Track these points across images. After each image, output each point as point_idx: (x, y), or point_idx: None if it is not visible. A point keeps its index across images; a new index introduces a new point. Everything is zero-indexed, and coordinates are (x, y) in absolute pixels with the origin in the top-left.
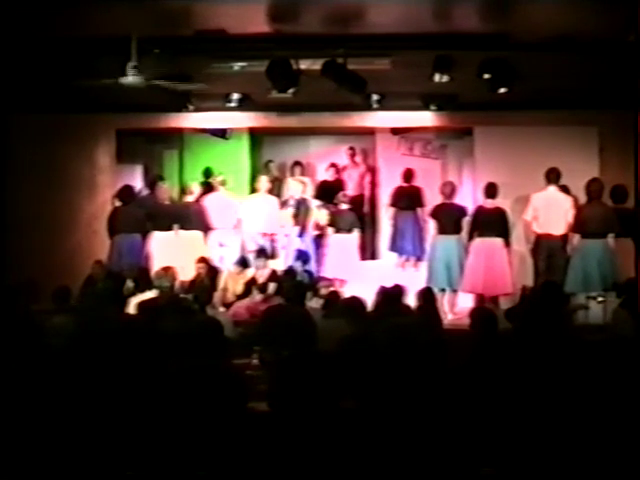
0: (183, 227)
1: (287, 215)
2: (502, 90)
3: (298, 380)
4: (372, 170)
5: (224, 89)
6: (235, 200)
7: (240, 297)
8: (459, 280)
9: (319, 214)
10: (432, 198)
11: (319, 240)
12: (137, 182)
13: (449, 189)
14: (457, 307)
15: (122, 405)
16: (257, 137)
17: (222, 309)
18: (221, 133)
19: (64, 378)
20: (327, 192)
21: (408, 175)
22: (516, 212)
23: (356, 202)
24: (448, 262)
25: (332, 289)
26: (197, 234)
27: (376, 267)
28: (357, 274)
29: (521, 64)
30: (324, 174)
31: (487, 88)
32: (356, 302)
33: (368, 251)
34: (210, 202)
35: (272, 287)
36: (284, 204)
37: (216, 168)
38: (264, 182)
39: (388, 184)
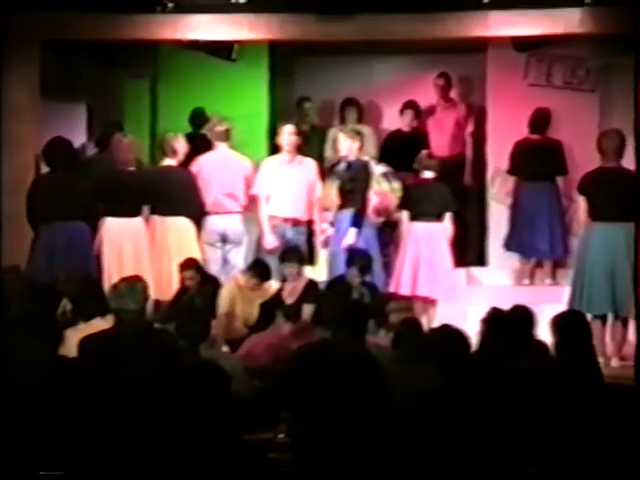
0: (159, 210)
1: (333, 190)
2: None
3: (354, 468)
4: (479, 113)
5: None
6: (246, 164)
7: (256, 327)
8: (630, 300)
9: (386, 188)
10: (584, 160)
11: (387, 232)
12: (79, 134)
13: (614, 144)
14: (628, 346)
15: None
16: (283, 58)
17: (226, 348)
18: (223, 51)
19: None
20: (400, 151)
21: (541, 120)
22: None
23: (450, 167)
24: (611, 269)
25: (409, 315)
26: (182, 222)
27: (485, 277)
28: (451, 289)
29: None
30: (396, 120)
31: None
32: (450, 336)
33: (471, 250)
34: (205, 168)
35: (309, 311)
36: (329, 171)
37: (214, 110)
38: (292, 135)
39: (506, 136)
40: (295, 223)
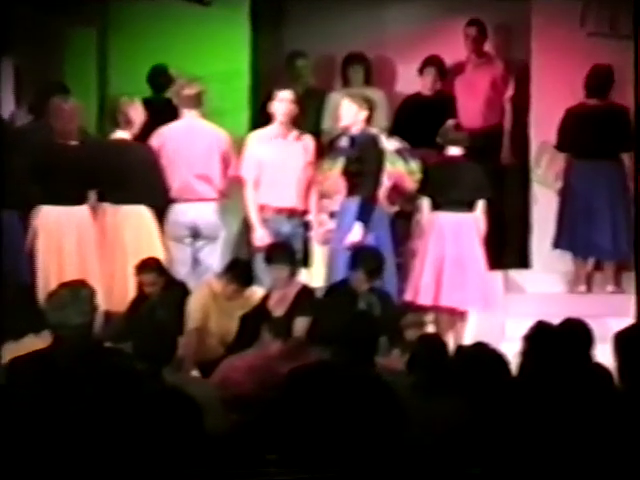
0: (110, 196)
1: (334, 172)
2: None
3: None
4: (521, 72)
5: None
6: (223, 137)
7: (235, 346)
8: None
9: (402, 168)
10: None
11: (402, 224)
12: (5, 98)
13: None
14: None
15: None
16: (270, 0)
17: (196, 373)
18: None
19: None
20: (420, 121)
21: (602, 80)
22: None
23: (483, 142)
24: None
25: (430, 331)
26: (141, 212)
27: (528, 282)
28: (485, 298)
29: None
30: (414, 82)
31: None
32: (483, 358)
33: (510, 249)
34: (170, 142)
35: (302, 325)
36: (328, 148)
37: (181, 68)
38: (291, 103)
39: (555, 102)
40: (291, 214)
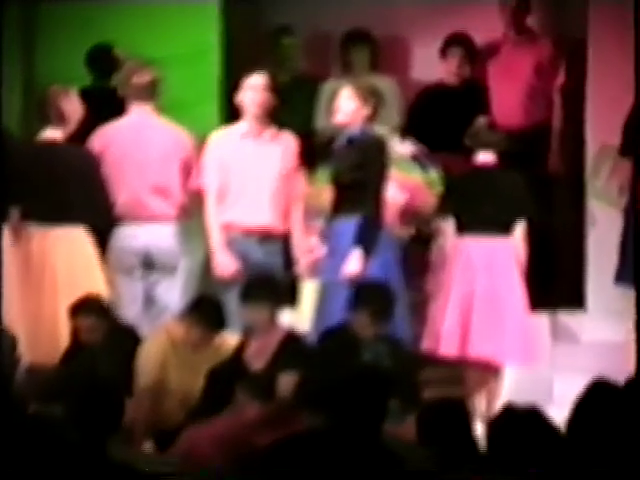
0: (37, 214)
1: (324, 184)
2: None
3: None
4: (574, 53)
5: None
6: (184, 139)
7: (201, 410)
8: None
9: (418, 178)
10: None
11: (418, 252)
12: None
13: None
14: None
15: None
16: None
17: (150, 445)
18: None
19: None
20: (442, 118)
21: None
22: None
23: (525, 145)
24: None
25: (453, 396)
26: (77, 235)
27: (583, 328)
28: (527, 347)
29: None
30: (435, 67)
31: None
32: (527, 426)
33: (559, 285)
34: (116, 145)
35: (288, 383)
36: (322, 153)
37: (131, 48)
38: (264, 91)
39: (619, 93)
40: (265, 237)
